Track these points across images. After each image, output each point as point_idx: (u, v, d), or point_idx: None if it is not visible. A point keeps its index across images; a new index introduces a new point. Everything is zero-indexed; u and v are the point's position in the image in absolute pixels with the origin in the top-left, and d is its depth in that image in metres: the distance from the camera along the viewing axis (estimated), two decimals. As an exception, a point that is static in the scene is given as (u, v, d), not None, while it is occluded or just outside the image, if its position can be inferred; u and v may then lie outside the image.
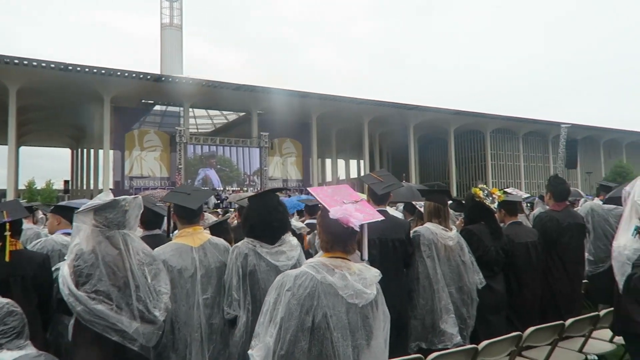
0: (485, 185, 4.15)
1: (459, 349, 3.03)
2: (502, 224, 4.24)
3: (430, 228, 3.65)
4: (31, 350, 1.82)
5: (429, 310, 3.50)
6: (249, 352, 1.72)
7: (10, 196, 28.68)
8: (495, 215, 4.14)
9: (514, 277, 4.05)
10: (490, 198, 3.96)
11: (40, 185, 46.51)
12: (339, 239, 1.80)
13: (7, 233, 2.64)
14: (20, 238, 2.96)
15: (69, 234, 3.15)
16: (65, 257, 2.39)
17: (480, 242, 3.85)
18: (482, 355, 3.06)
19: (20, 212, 2.88)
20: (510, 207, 4.33)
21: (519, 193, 6.56)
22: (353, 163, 58.32)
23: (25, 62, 27.19)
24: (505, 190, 4.57)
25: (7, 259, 2.63)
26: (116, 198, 2.42)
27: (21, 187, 42.54)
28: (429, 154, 52.78)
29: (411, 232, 3.66)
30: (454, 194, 38.53)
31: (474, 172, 49.63)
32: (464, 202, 4.58)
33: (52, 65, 27.80)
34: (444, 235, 3.64)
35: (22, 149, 43.60)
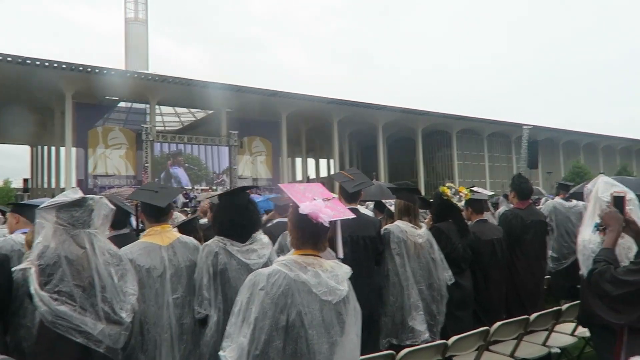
0: (452, 184, 4.23)
1: (430, 345, 3.08)
2: (468, 222, 4.33)
3: (400, 226, 3.69)
4: (-10, 354, 1.74)
5: (399, 307, 3.53)
6: (220, 353, 1.68)
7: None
8: (462, 213, 4.23)
9: (480, 274, 4.14)
10: (458, 196, 4.03)
11: (-3, 184, 44.71)
12: (309, 236, 1.79)
13: None
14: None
15: (29, 233, 3.03)
16: (29, 257, 2.30)
17: (448, 240, 3.92)
18: (452, 350, 3.13)
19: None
20: (477, 205, 4.43)
21: (484, 192, 6.72)
22: (323, 162, 58.42)
23: (-22, 55, 25.95)
24: (471, 188, 4.66)
25: None
26: (84, 196, 2.34)
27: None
28: (397, 154, 53.33)
29: (381, 229, 3.69)
30: (422, 193, 38.97)
31: (441, 171, 50.52)
32: (431, 200, 4.64)
33: (9, 59, 26.61)
34: (414, 232, 3.68)
35: (-22, 146, 41.82)
